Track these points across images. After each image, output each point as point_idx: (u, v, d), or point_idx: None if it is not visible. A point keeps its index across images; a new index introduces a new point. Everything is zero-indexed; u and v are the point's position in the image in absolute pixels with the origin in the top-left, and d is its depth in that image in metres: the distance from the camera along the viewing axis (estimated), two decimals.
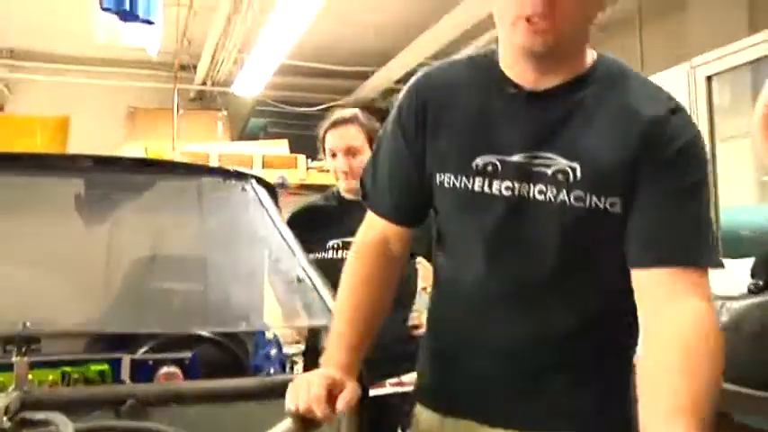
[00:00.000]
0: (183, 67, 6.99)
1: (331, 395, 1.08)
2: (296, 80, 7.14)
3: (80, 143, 7.00)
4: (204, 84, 7.36)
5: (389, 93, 7.66)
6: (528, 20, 1.04)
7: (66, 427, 1.07)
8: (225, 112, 7.33)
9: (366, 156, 2.16)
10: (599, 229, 1.11)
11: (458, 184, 1.17)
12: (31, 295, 1.64)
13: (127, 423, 1.22)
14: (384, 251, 1.29)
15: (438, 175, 1.20)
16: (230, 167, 1.99)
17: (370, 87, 7.30)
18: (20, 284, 1.67)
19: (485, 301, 1.19)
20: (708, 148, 3.48)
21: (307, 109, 7.08)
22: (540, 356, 1.17)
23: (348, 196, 2.19)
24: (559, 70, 1.12)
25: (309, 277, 1.56)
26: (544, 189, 1.11)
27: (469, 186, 1.16)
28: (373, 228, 1.31)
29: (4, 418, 1.10)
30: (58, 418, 1.09)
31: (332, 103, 7.32)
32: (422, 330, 2.28)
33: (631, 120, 1.09)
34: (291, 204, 6.69)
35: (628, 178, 1.08)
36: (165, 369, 1.58)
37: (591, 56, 1.17)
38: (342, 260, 2.12)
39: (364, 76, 7.19)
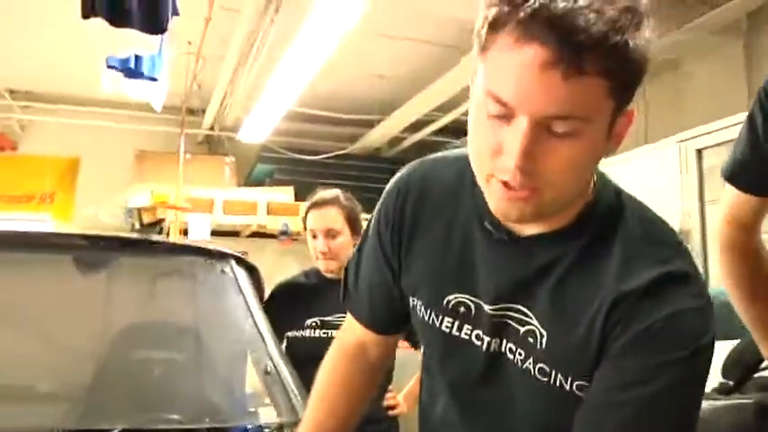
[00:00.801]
0: (192, 112, 7.11)
1: None
2: (303, 127, 7.23)
3: (89, 184, 7.13)
4: (212, 128, 7.47)
5: (396, 141, 7.75)
6: (505, 184, 0.84)
7: None
8: (232, 158, 7.41)
9: (345, 237, 2.19)
10: (559, 409, 0.91)
11: (427, 318, 1.05)
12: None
13: None
14: (360, 357, 1.22)
15: (411, 299, 1.09)
16: (211, 247, 1.98)
17: (376, 136, 7.38)
18: None
19: None
20: (698, 224, 3.49)
21: (313, 157, 7.16)
22: None
23: (328, 275, 2.22)
24: (550, 218, 0.92)
25: (278, 371, 1.55)
26: (513, 348, 0.95)
27: (437, 324, 1.03)
28: (352, 331, 1.22)
29: None
30: None
31: (338, 152, 7.43)
32: (399, 410, 2.29)
33: (608, 288, 0.88)
34: (292, 251, 6.70)
35: (592, 362, 0.88)
36: None
37: (587, 198, 0.94)
38: (319, 338, 2.17)
39: (370, 125, 7.27)
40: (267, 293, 2.23)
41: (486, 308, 0.97)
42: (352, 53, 5.36)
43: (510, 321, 0.95)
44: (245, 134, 6.75)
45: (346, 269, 1.23)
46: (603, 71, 0.76)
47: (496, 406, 0.99)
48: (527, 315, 0.93)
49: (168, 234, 6.35)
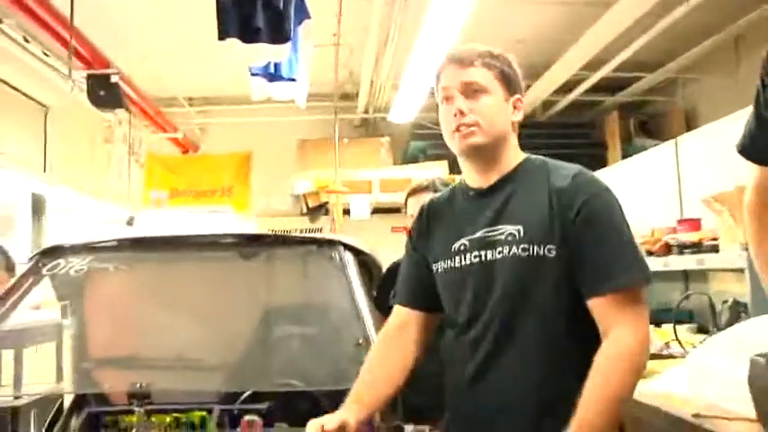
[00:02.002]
0: (347, 97, 7.50)
1: None
2: None
3: (260, 176, 7.85)
4: (366, 112, 7.82)
5: (549, 105, 7.59)
6: (458, 129, 1.52)
7: None
8: (387, 138, 7.71)
9: None
10: (541, 271, 1.45)
11: (444, 268, 1.59)
12: (153, 358, 2.05)
13: None
14: (399, 336, 1.65)
15: (434, 266, 1.62)
16: (323, 236, 2.26)
17: (528, 101, 7.27)
18: (153, 346, 2.10)
19: (467, 350, 1.52)
20: None
21: None
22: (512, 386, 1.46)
23: None
24: (494, 170, 1.57)
25: (368, 343, 1.79)
26: (501, 249, 1.49)
27: (450, 265, 1.57)
28: (396, 316, 1.69)
29: None
30: None
31: None
32: None
33: (548, 190, 1.50)
34: None
35: (557, 230, 1.45)
36: (247, 417, 1.94)
37: (519, 157, 1.60)
38: None
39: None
40: None
41: (476, 236, 1.54)
42: (490, 20, 5.33)
43: (493, 236, 1.51)
44: (396, 114, 6.98)
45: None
46: (485, 65, 1.55)
47: (492, 291, 1.49)
48: (502, 228, 1.50)
49: (332, 215, 6.84)
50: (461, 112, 1.52)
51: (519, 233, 1.48)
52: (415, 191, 2.43)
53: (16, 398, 3.13)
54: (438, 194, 1.77)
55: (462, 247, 1.55)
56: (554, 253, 1.44)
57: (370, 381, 1.56)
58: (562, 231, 1.45)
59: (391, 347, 1.63)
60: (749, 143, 1.38)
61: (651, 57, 6.41)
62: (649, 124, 7.53)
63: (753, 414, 1.82)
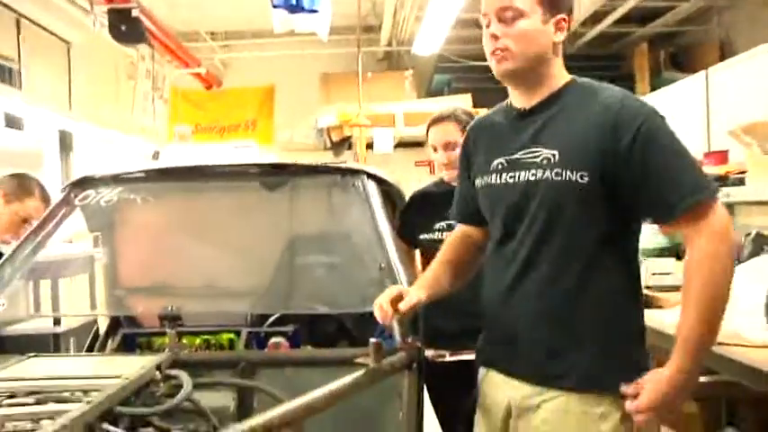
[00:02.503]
0: (370, 30, 7.38)
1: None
2: (475, 32, 7.12)
3: (284, 109, 7.84)
4: (390, 44, 7.70)
5: (576, 36, 7.36)
6: (493, 54, 1.53)
7: (188, 382, 1.49)
8: (410, 71, 7.61)
9: None
10: (573, 197, 1.48)
11: (484, 183, 1.65)
12: (183, 284, 2.13)
13: (231, 380, 1.64)
14: (463, 239, 1.79)
15: (477, 181, 1.69)
16: (347, 165, 2.30)
17: None
18: (182, 273, 2.17)
19: (503, 262, 1.59)
20: None
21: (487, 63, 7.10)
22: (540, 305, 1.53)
23: (453, 183, 2.37)
24: (536, 93, 1.57)
25: (390, 267, 1.84)
26: (535, 172, 1.52)
27: (490, 181, 1.63)
28: (458, 227, 1.84)
29: (157, 372, 1.55)
30: (183, 375, 1.52)
31: None
32: None
33: (598, 113, 1.48)
34: None
35: (597, 157, 1.45)
36: (273, 339, 2.02)
37: (564, 79, 1.58)
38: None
39: None
40: None
41: (514, 156, 1.57)
42: None
43: (530, 158, 1.54)
44: (420, 47, 6.87)
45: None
46: None
47: (526, 212, 1.53)
48: (539, 151, 1.53)
49: (355, 149, 6.83)
50: (495, 37, 1.51)
51: (554, 158, 1.49)
52: (436, 120, 2.42)
53: (56, 325, 3.28)
54: (480, 116, 1.81)
55: (500, 166, 1.59)
56: (586, 179, 1.45)
57: (441, 269, 1.72)
58: (609, 155, 1.44)
59: (458, 245, 1.77)
60: None
61: None
62: (680, 56, 7.32)
63: (766, 341, 1.86)
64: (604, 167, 1.45)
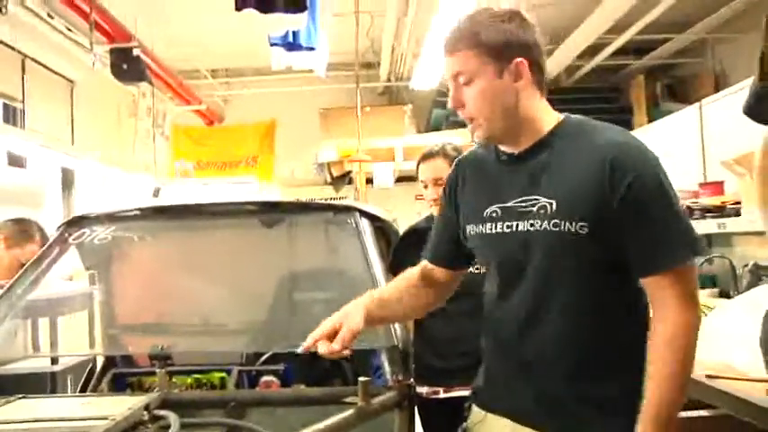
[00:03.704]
0: (368, 66, 7.47)
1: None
2: None
3: (284, 145, 7.91)
4: (389, 80, 7.79)
5: (573, 69, 7.46)
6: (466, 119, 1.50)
7: (175, 422, 1.48)
8: (409, 106, 7.68)
9: None
10: (573, 249, 1.40)
11: (476, 232, 1.55)
12: (176, 322, 2.13)
13: (221, 419, 1.62)
14: (423, 277, 1.68)
15: (467, 228, 1.59)
16: (339, 203, 2.31)
17: (551, 66, 7.16)
18: (175, 311, 2.18)
19: (504, 314, 1.52)
20: None
21: None
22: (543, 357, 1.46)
23: None
24: (522, 141, 1.49)
25: None
26: (533, 222, 1.44)
27: (483, 231, 1.53)
28: (423, 264, 1.72)
29: (145, 413, 1.54)
30: (171, 415, 1.51)
31: None
32: None
33: (592, 162, 1.40)
34: None
35: (593, 207, 1.38)
36: (264, 378, 2.01)
37: (553, 120, 1.49)
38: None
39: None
40: None
41: (509, 204, 1.48)
42: None
43: (526, 207, 1.45)
44: (418, 81, 6.94)
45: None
46: (469, 46, 1.42)
47: (522, 265, 1.46)
48: (536, 199, 1.44)
49: (355, 184, 6.87)
50: (459, 103, 1.46)
51: (551, 207, 1.41)
52: (425, 157, 2.45)
53: (53, 363, 3.26)
54: (470, 151, 1.69)
55: (494, 215, 1.51)
56: (585, 230, 1.38)
57: (384, 296, 1.64)
58: (603, 206, 1.37)
59: (409, 285, 1.67)
60: (754, 103, 1.37)
61: (679, 17, 6.26)
62: (677, 88, 7.39)
63: (764, 374, 1.84)
64: (602, 218, 1.38)
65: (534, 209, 1.43)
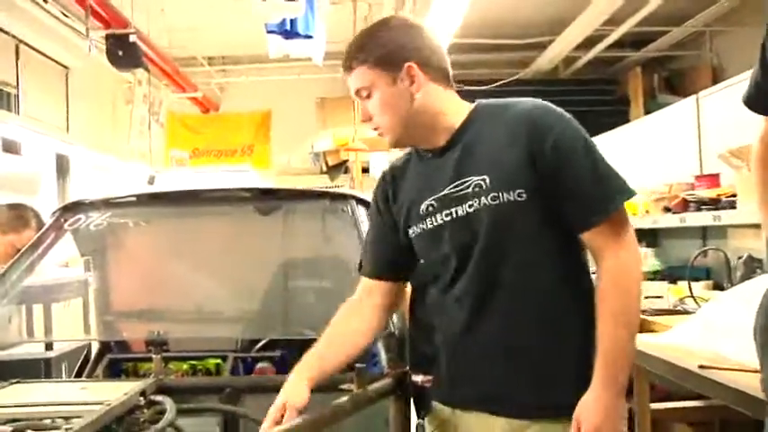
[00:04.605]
0: None
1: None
2: (471, 57, 7.24)
3: (280, 134, 7.88)
4: None
5: (570, 61, 7.46)
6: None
7: (171, 407, 1.48)
8: None
9: None
10: (516, 216, 1.43)
11: (419, 230, 1.55)
12: (172, 309, 2.13)
13: (216, 405, 1.63)
14: (362, 302, 1.65)
15: (409, 230, 1.57)
16: (336, 190, 2.31)
17: (548, 58, 7.16)
18: (171, 297, 2.18)
19: (452, 301, 1.52)
20: None
21: (484, 87, 7.17)
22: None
23: None
24: (439, 136, 1.51)
25: None
26: (471, 202, 1.45)
27: (425, 227, 1.53)
28: (362, 282, 1.68)
29: (141, 398, 1.54)
30: (167, 401, 1.52)
31: (511, 78, 7.35)
32: None
33: (511, 132, 1.44)
34: None
35: (525, 173, 1.41)
36: (260, 364, 2.02)
37: (467, 108, 1.53)
38: None
39: (540, 47, 7.06)
40: None
41: (442, 194, 1.49)
42: None
43: (460, 190, 1.46)
44: None
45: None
46: (360, 62, 1.48)
47: (469, 247, 1.47)
48: (467, 180, 1.46)
49: (351, 173, 6.87)
50: (368, 118, 1.53)
51: (486, 182, 1.44)
52: None
53: (48, 349, 3.26)
54: (393, 161, 1.70)
55: (431, 208, 1.51)
56: (524, 196, 1.41)
57: (327, 342, 1.58)
58: (534, 169, 1.41)
59: (352, 314, 1.63)
60: (754, 93, 1.36)
61: (677, 10, 6.26)
62: (674, 80, 7.39)
63: (756, 365, 1.85)
64: (535, 180, 1.41)
65: (469, 190, 1.45)
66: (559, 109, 1.47)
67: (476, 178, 1.44)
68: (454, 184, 1.47)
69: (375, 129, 1.52)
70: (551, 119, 1.43)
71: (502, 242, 1.44)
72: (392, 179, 1.62)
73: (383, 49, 1.47)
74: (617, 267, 1.39)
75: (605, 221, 1.39)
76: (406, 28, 1.51)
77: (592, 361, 1.39)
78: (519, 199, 1.41)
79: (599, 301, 1.39)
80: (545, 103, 1.48)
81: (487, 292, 1.46)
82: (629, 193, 1.42)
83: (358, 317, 1.62)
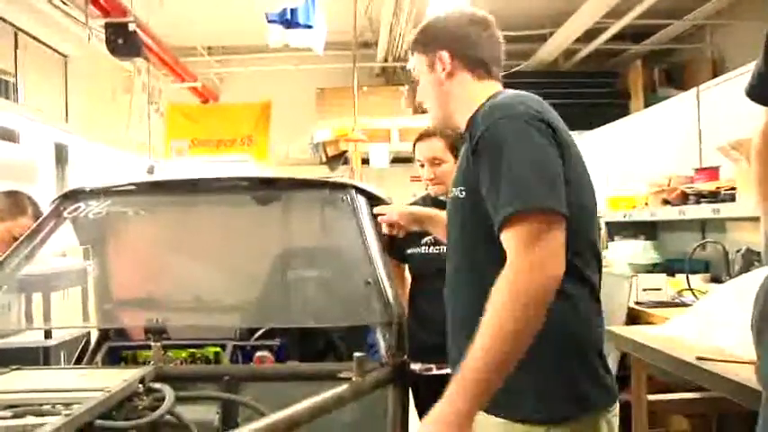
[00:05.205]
0: (366, 45, 7.41)
1: None
2: None
3: (280, 125, 7.87)
4: (386, 60, 7.74)
5: (571, 53, 7.44)
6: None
7: (170, 394, 1.49)
8: (407, 87, 7.65)
9: (449, 164, 2.34)
10: (457, 213, 1.53)
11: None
12: (171, 297, 2.13)
13: (215, 393, 1.64)
14: None
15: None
16: (336, 179, 2.31)
17: (549, 50, 7.14)
18: (171, 286, 2.18)
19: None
20: None
21: None
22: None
23: (439, 198, 2.40)
24: (465, 121, 1.55)
25: (377, 282, 1.83)
26: (456, 192, 1.54)
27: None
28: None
29: (140, 385, 1.55)
30: (166, 388, 1.52)
31: (512, 70, 7.33)
32: None
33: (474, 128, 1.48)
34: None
35: (464, 170, 1.50)
36: (259, 353, 2.02)
37: (475, 106, 1.52)
38: (434, 254, 2.39)
39: (541, 39, 7.05)
40: None
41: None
42: None
43: (457, 179, 1.56)
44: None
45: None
46: (414, 50, 1.61)
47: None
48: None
49: (351, 164, 6.86)
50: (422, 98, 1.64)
51: (457, 179, 1.56)
52: (422, 136, 2.45)
53: (47, 337, 3.27)
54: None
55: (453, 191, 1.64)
56: (463, 194, 1.50)
57: None
58: (467, 167, 1.47)
59: None
60: (758, 84, 1.35)
61: (677, 3, 6.24)
62: (674, 73, 7.38)
63: (753, 357, 1.86)
64: (467, 179, 1.47)
65: (459, 178, 1.57)
66: (507, 107, 1.41)
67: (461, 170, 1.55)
68: (459, 169, 1.58)
69: (427, 112, 1.64)
70: (486, 118, 1.41)
71: (452, 233, 1.57)
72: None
73: (426, 37, 1.59)
74: (502, 277, 1.29)
75: (507, 227, 1.32)
76: (457, 19, 1.60)
77: None
78: (460, 195, 1.51)
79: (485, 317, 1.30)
80: (500, 100, 1.46)
81: (449, 277, 1.57)
82: (533, 203, 1.30)
83: None
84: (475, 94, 1.53)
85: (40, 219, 2.32)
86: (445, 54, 1.53)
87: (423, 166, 2.43)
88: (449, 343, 1.57)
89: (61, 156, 6.15)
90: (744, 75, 3.63)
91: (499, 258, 1.33)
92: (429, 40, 1.57)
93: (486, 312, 1.28)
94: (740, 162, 2.91)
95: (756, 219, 1.74)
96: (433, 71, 1.56)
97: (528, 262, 1.28)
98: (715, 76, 6.13)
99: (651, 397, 2.58)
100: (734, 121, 3.51)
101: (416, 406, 2.32)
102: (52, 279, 3.53)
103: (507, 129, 1.37)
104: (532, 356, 1.28)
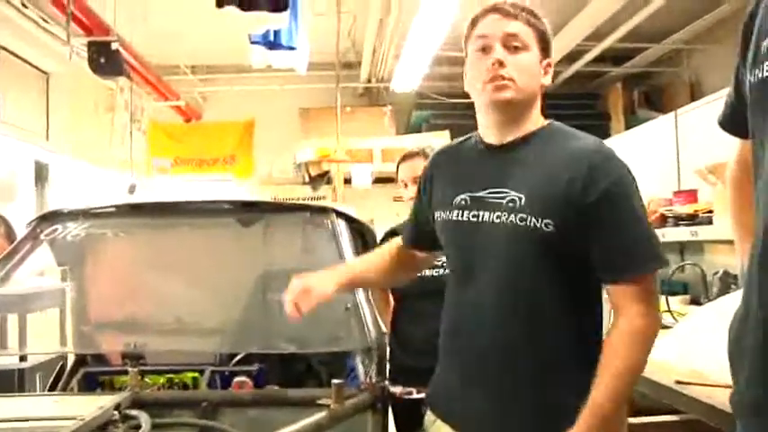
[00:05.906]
0: (349, 66, 7.45)
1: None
2: (454, 70, 7.26)
3: (263, 144, 7.86)
4: (369, 81, 7.78)
5: (553, 75, 7.50)
6: (492, 80, 1.46)
7: (147, 422, 1.47)
8: (389, 107, 7.69)
9: None
10: (537, 244, 1.43)
11: (445, 218, 1.59)
12: (149, 321, 2.11)
13: (192, 420, 1.61)
14: (399, 252, 1.81)
15: (435, 214, 1.63)
16: (316, 203, 2.30)
17: None
18: (149, 309, 2.15)
19: (464, 307, 1.55)
20: None
21: (468, 100, 7.19)
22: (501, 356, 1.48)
23: None
24: (514, 129, 1.52)
25: (357, 308, 1.83)
26: (499, 214, 1.47)
27: (450, 218, 1.57)
28: (396, 242, 1.84)
29: (115, 412, 1.52)
30: (143, 415, 1.50)
31: None
32: None
33: (569, 163, 1.45)
34: None
35: (562, 206, 1.42)
36: (237, 378, 2.01)
37: (541, 122, 1.56)
38: (421, 276, 2.39)
39: None
40: None
41: (479, 194, 1.52)
42: None
43: (495, 198, 1.49)
44: (399, 83, 6.94)
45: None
46: (527, 23, 1.50)
47: (486, 257, 1.49)
48: (506, 191, 1.48)
49: (334, 184, 6.86)
50: (500, 63, 1.45)
51: (520, 201, 1.45)
52: (405, 157, 2.47)
53: (21, 360, 3.21)
54: (447, 144, 1.76)
55: (463, 202, 1.54)
56: (551, 228, 1.41)
57: (359, 264, 1.82)
58: (573, 206, 1.41)
59: (388, 253, 1.81)
60: (729, 114, 1.38)
61: (656, 27, 6.35)
62: (653, 96, 7.50)
63: (731, 381, 1.87)
64: (568, 218, 1.41)
65: (503, 201, 1.47)
66: (621, 159, 1.48)
67: (513, 194, 1.46)
68: (492, 190, 1.50)
69: (501, 77, 1.46)
70: (611, 165, 1.45)
71: (513, 264, 1.45)
72: (438, 163, 1.69)
73: (548, 33, 1.54)
74: (632, 330, 1.39)
75: (633, 281, 1.40)
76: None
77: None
78: (545, 229, 1.42)
79: (603, 353, 1.40)
80: (610, 147, 1.51)
81: (494, 310, 1.47)
82: (663, 263, 1.45)
83: (391, 258, 1.79)
84: (539, 113, 1.55)
85: (15, 240, 2.29)
86: (551, 66, 1.55)
87: (406, 185, 2.44)
88: (469, 370, 1.52)
89: (41, 174, 6.09)
90: (720, 99, 3.70)
91: (562, 296, 1.44)
92: (547, 37, 1.54)
93: (612, 354, 1.38)
94: (716, 185, 2.95)
95: (732, 242, 1.77)
96: (540, 65, 1.51)
97: (656, 315, 1.43)
98: (693, 99, 6.24)
99: (631, 420, 2.59)
100: (711, 145, 3.56)
101: (397, 429, 2.31)
102: (28, 300, 3.48)
103: (633, 185, 1.46)
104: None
